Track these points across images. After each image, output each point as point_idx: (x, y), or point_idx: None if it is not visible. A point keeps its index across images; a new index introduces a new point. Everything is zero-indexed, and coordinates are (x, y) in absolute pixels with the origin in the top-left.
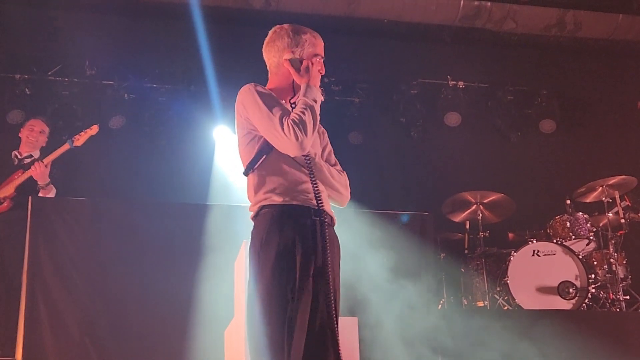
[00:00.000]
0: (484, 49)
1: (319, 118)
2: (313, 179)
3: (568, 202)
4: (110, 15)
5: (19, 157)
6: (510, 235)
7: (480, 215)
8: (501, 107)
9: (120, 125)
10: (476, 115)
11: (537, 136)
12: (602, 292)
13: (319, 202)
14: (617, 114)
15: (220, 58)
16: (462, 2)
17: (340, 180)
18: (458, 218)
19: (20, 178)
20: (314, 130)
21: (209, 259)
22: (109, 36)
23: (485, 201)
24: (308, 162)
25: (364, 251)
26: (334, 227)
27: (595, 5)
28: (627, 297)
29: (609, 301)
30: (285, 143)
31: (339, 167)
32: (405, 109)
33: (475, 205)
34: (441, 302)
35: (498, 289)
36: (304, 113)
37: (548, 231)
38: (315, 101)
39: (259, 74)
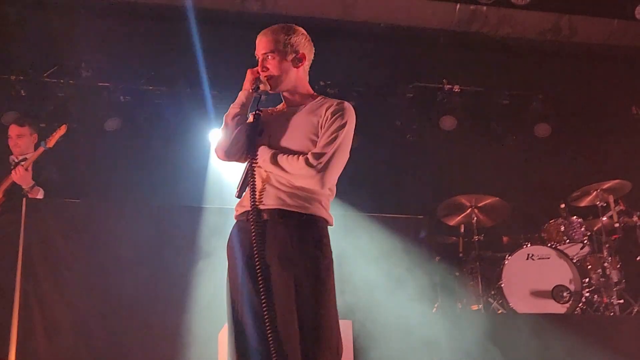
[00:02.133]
0: (480, 53)
1: (230, 123)
2: (249, 180)
3: (562, 206)
4: (106, 17)
5: (15, 161)
6: (505, 238)
7: (475, 218)
8: (496, 111)
9: (116, 127)
10: (471, 119)
11: (532, 140)
12: (596, 296)
13: (253, 202)
14: (612, 118)
15: (216, 60)
16: (458, 6)
17: (285, 162)
18: (453, 221)
19: (6, 183)
20: (225, 136)
21: (204, 261)
22: (105, 38)
23: (480, 205)
24: (250, 166)
25: (358, 254)
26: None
27: (591, 10)
28: (621, 301)
29: (603, 305)
30: None
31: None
32: (401, 112)
33: (470, 209)
34: (435, 305)
35: (492, 292)
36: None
37: (542, 235)
38: (229, 112)
39: None
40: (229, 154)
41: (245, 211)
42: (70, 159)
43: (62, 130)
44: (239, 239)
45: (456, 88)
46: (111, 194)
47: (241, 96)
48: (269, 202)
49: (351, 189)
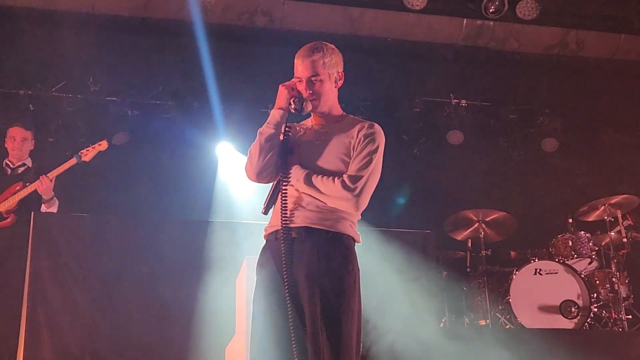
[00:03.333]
0: (487, 67)
1: (257, 142)
2: (280, 199)
3: (570, 220)
4: (114, 32)
5: (12, 166)
6: (512, 253)
7: (482, 233)
8: (504, 126)
9: (124, 141)
10: (479, 133)
11: (539, 155)
12: (604, 312)
13: (284, 221)
14: (620, 133)
15: (223, 75)
16: (465, 21)
17: (320, 183)
18: (460, 236)
19: (23, 191)
20: (259, 157)
21: (211, 276)
22: (113, 53)
23: (487, 219)
24: (280, 184)
25: (365, 269)
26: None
27: (598, 25)
28: (630, 316)
29: (612, 320)
30: None
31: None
32: (408, 127)
33: (477, 224)
34: (443, 320)
35: (500, 307)
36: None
37: (550, 250)
38: (264, 130)
39: (262, 91)
40: (261, 176)
41: (275, 230)
42: (79, 172)
43: (103, 146)
44: (268, 258)
45: (463, 102)
46: (119, 208)
47: (276, 115)
48: (298, 220)
49: None
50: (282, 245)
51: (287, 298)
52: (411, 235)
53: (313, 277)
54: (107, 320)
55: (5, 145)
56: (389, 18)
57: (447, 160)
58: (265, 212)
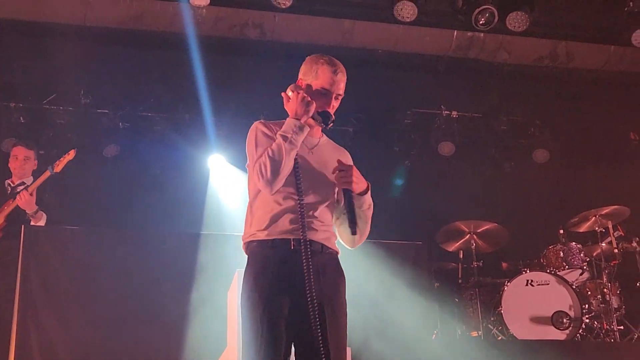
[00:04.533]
0: (478, 79)
1: (287, 152)
2: (301, 210)
3: (561, 231)
4: (105, 44)
5: (12, 185)
6: (504, 264)
7: (474, 244)
8: (495, 137)
9: (115, 153)
10: (470, 145)
11: (530, 166)
12: (595, 322)
13: (303, 233)
14: (610, 144)
15: (215, 87)
16: (455, 33)
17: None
18: (452, 247)
19: (9, 207)
20: (280, 167)
21: (202, 288)
22: (104, 65)
23: (478, 231)
24: (299, 195)
25: (358, 281)
26: (335, 256)
27: (587, 37)
28: (621, 327)
29: (603, 331)
30: (257, 184)
31: None
32: (399, 138)
33: (468, 235)
34: (435, 331)
35: (492, 318)
36: (268, 154)
37: (541, 261)
38: (286, 137)
39: (254, 103)
40: (275, 189)
41: (287, 239)
42: (70, 185)
43: (71, 155)
44: (279, 266)
45: (454, 114)
46: (110, 220)
47: (303, 133)
48: (315, 233)
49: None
50: (303, 257)
51: (311, 311)
52: (403, 246)
53: (328, 294)
54: (97, 333)
55: (9, 165)
56: (380, 30)
57: (439, 172)
58: (355, 232)
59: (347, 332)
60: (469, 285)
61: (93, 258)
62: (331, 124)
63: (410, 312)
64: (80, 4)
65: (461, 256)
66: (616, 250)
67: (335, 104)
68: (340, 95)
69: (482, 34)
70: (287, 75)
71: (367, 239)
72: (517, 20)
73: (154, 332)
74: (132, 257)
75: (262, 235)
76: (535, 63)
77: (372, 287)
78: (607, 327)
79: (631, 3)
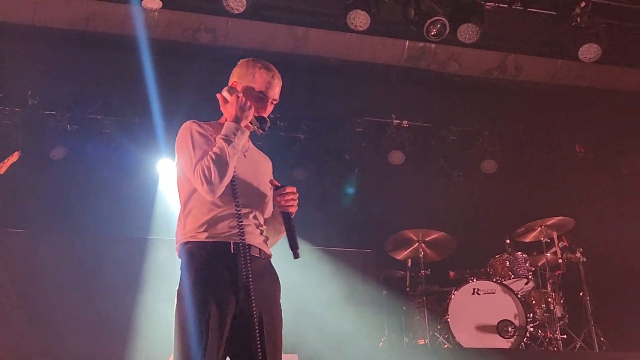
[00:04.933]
0: (428, 89)
1: (231, 156)
2: (238, 214)
3: (508, 241)
4: (54, 45)
5: None
6: (451, 273)
7: (422, 253)
8: (444, 147)
9: (62, 156)
10: (419, 154)
11: (478, 176)
12: (540, 331)
13: (242, 237)
14: (557, 155)
15: (165, 91)
16: (407, 43)
17: None
18: (400, 256)
19: None
20: (224, 172)
21: (150, 292)
22: (52, 66)
23: (427, 239)
24: (236, 199)
25: (306, 287)
26: (270, 260)
27: (536, 50)
28: (564, 336)
29: (547, 340)
30: (198, 188)
31: None
32: (350, 146)
33: (417, 243)
34: (382, 339)
35: (439, 327)
36: (212, 157)
37: (488, 270)
38: (230, 141)
39: (205, 107)
40: (218, 194)
41: (227, 242)
42: (15, 187)
43: (15, 157)
44: (220, 269)
45: (405, 123)
46: (57, 224)
47: (244, 137)
48: (252, 238)
49: (299, 222)
50: (242, 263)
51: (254, 317)
52: (352, 254)
53: (267, 302)
54: (41, 336)
55: None
56: (333, 38)
57: (388, 180)
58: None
59: (295, 340)
60: (417, 293)
61: (37, 261)
62: (267, 129)
63: (359, 320)
64: (29, 3)
65: (409, 264)
66: (560, 261)
67: (270, 108)
68: (275, 100)
69: (433, 45)
70: None
71: (316, 246)
72: (467, 32)
73: (99, 335)
74: (79, 260)
75: (201, 237)
76: (485, 75)
77: (320, 294)
78: (551, 335)
79: (579, 18)
